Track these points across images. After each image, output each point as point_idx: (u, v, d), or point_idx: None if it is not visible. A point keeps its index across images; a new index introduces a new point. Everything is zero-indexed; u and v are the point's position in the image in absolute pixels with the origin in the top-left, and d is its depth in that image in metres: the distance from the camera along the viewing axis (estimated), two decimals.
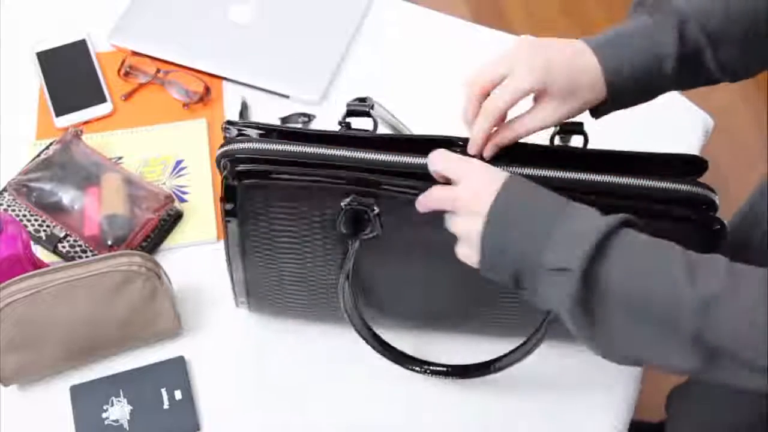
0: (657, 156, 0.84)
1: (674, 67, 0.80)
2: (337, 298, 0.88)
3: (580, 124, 0.85)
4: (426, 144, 0.81)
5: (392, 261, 0.88)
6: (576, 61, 0.79)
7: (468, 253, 0.75)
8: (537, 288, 0.70)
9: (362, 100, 0.87)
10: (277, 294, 0.94)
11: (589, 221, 0.68)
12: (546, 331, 0.87)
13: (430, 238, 0.82)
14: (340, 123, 0.86)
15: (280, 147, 0.81)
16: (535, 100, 0.82)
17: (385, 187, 0.80)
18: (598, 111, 0.83)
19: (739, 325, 0.63)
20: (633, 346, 0.68)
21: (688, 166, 0.84)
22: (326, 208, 0.82)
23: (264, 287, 0.94)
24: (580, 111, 0.81)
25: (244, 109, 1.16)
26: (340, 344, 0.97)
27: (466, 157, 0.77)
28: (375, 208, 0.81)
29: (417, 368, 0.92)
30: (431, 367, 0.92)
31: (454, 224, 0.76)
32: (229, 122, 0.85)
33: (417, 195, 0.79)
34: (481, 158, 0.82)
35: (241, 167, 0.81)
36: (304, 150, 0.81)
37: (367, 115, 0.87)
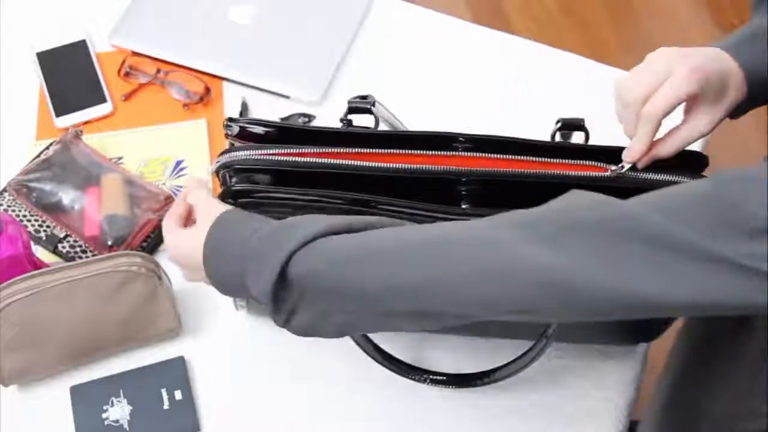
0: None
1: None
2: None
3: (581, 120, 0.85)
4: (427, 139, 0.81)
5: None
6: (721, 64, 0.79)
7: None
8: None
9: (363, 97, 0.87)
10: None
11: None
12: (547, 343, 0.86)
13: None
14: (341, 120, 0.86)
15: (276, 157, 0.80)
16: (686, 111, 0.81)
17: (381, 207, 0.79)
18: (735, 111, 0.83)
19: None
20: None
21: (689, 161, 0.84)
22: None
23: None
24: (727, 114, 0.81)
25: (244, 110, 1.16)
26: (340, 345, 0.96)
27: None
28: None
29: (417, 377, 0.92)
30: (432, 377, 0.92)
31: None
32: (231, 119, 0.85)
33: (412, 214, 0.79)
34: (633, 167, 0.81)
35: (236, 186, 0.81)
36: (303, 160, 0.80)
37: (369, 112, 0.87)
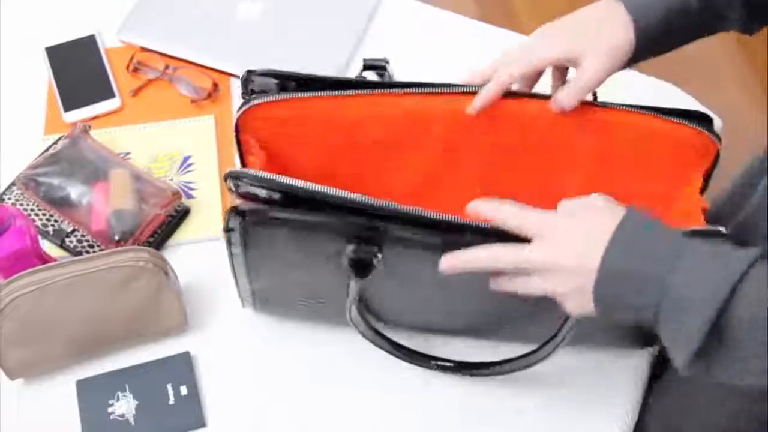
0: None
1: (698, 6, 0.82)
2: (345, 315, 0.88)
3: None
4: (429, 88, 0.86)
5: (399, 286, 0.87)
6: (599, 12, 0.84)
7: (576, 306, 0.73)
8: (660, 323, 0.67)
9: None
10: (283, 301, 0.95)
11: (717, 264, 0.65)
12: (564, 340, 0.86)
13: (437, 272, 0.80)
14: (357, 77, 0.89)
15: (286, 181, 0.77)
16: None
17: (392, 235, 0.79)
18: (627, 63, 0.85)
19: None
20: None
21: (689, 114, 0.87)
22: (331, 246, 0.81)
23: (270, 296, 0.94)
24: (615, 60, 0.83)
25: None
26: (347, 340, 0.96)
27: (540, 212, 0.75)
28: (379, 255, 0.80)
29: (425, 364, 0.92)
30: (439, 362, 0.92)
31: (535, 285, 0.74)
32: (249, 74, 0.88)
33: (423, 243, 0.78)
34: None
35: (244, 207, 0.79)
36: (312, 188, 0.77)
37: (383, 69, 0.90)
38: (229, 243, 0.84)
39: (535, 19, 2.31)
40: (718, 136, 0.85)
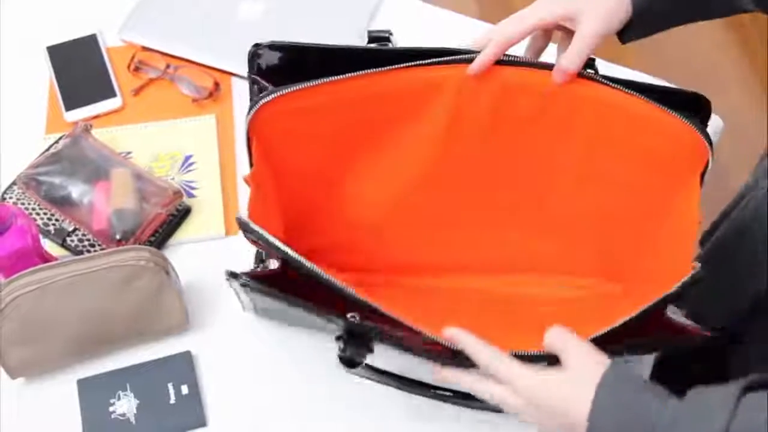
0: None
1: None
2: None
3: (592, 59, 0.88)
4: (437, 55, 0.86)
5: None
6: None
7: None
8: None
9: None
10: (284, 317, 0.96)
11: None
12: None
13: None
14: None
15: (291, 254, 0.78)
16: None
17: (381, 334, 0.81)
18: (624, 34, 0.86)
19: None
20: None
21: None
22: (331, 314, 0.82)
23: (271, 312, 0.95)
24: (610, 25, 0.84)
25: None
26: None
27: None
28: (368, 354, 0.82)
29: (425, 393, 0.91)
30: (438, 392, 0.91)
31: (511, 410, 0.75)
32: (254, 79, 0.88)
33: (409, 347, 0.81)
34: None
35: (243, 279, 0.81)
36: (308, 267, 0.78)
37: (387, 40, 0.90)
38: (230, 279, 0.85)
39: None
40: (709, 140, 0.84)
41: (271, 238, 0.78)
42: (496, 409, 0.78)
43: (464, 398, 0.90)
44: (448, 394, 0.90)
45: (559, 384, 0.71)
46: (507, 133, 0.91)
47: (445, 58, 0.87)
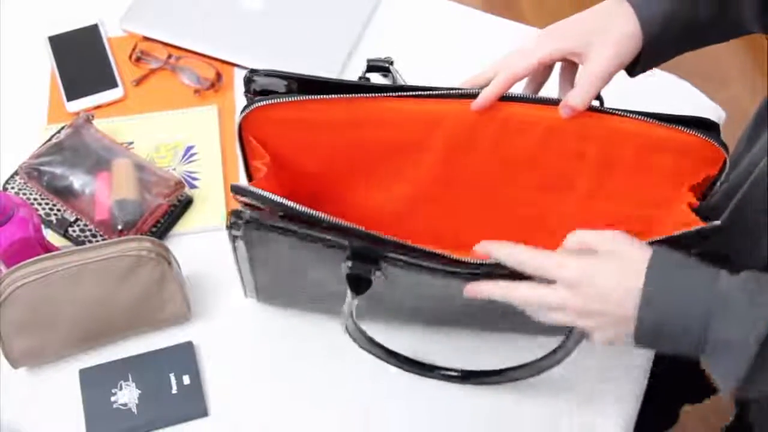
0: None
1: (708, 14, 0.81)
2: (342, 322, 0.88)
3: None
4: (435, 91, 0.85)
5: (400, 294, 0.87)
6: (604, 8, 0.83)
7: (605, 340, 0.74)
8: (703, 358, 0.70)
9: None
10: (286, 295, 0.95)
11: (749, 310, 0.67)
12: (572, 348, 0.85)
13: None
14: (360, 78, 0.87)
15: (287, 204, 0.78)
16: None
17: (390, 256, 0.80)
18: (634, 68, 0.85)
19: None
20: None
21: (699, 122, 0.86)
22: (331, 256, 0.82)
23: (273, 290, 0.94)
24: (620, 59, 0.82)
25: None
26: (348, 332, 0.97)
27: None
28: (377, 272, 0.81)
29: (429, 374, 0.92)
30: (443, 372, 0.92)
31: (563, 320, 0.75)
32: (252, 73, 0.86)
33: (421, 264, 0.79)
34: None
35: (248, 215, 0.80)
36: (313, 214, 0.78)
37: (387, 70, 0.89)
38: (233, 239, 0.84)
39: (537, 9, 2.31)
40: (724, 145, 0.83)
41: (270, 195, 0.77)
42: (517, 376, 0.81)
43: (469, 377, 0.91)
44: (455, 374, 0.91)
45: (610, 266, 0.72)
46: (509, 163, 0.89)
47: (445, 92, 0.85)
